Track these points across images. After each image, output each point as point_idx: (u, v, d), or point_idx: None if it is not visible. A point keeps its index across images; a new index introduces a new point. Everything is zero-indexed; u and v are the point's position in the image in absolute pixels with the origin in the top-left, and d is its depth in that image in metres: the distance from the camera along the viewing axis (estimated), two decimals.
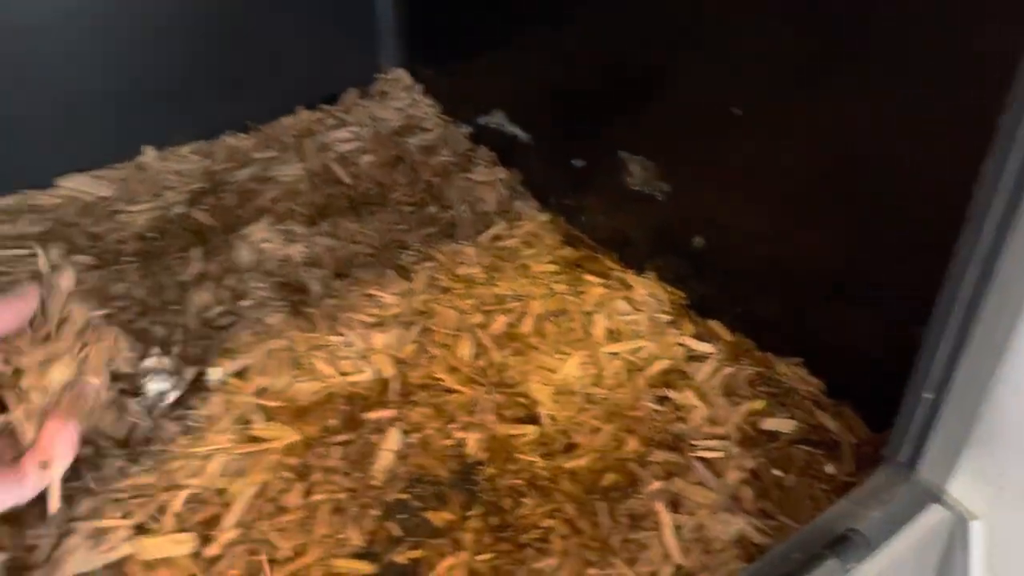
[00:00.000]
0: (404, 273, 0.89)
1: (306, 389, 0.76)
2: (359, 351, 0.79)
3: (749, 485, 0.68)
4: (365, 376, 0.77)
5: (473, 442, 0.73)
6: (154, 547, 0.63)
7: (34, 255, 0.89)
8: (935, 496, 0.63)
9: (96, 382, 0.45)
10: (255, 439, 0.71)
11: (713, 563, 0.62)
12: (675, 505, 0.65)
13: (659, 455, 0.69)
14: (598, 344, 0.80)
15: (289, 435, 0.71)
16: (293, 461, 0.70)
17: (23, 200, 0.97)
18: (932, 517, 0.63)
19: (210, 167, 1.05)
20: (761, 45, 0.70)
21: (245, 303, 0.83)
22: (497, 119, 1.06)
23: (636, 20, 0.81)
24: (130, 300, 0.84)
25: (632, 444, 0.70)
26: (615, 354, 0.79)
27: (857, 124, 0.66)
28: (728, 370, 0.77)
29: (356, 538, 0.66)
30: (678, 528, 0.64)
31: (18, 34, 0.91)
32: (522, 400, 0.76)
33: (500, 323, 0.83)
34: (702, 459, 0.68)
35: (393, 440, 0.72)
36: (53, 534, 0.62)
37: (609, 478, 0.68)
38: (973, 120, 0.56)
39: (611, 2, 0.84)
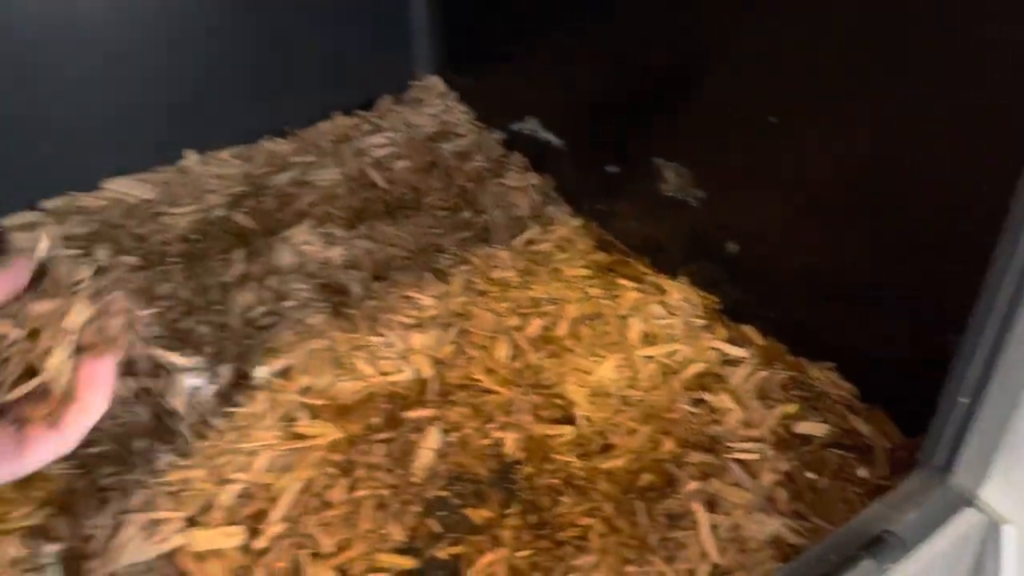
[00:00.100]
0: (441, 276, 0.91)
1: (348, 388, 0.78)
2: (399, 351, 0.81)
3: (783, 487, 0.69)
4: (405, 376, 0.79)
5: (511, 442, 0.75)
6: (205, 539, 0.65)
7: (84, 255, 0.91)
8: (968, 500, 0.64)
9: (122, 306, 0.45)
10: (300, 436, 0.73)
11: (749, 562, 0.63)
12: (711, 505, 0.67)
13: (695, 456, 0.70)
14: (633, 347, 0.82)
15: (333, 432, 0.73)
16: (337, 458, 0.72)
17: (71, 202, 1.00)
18: (965, 521, 0.63)
19: (250, 171, 1.07)
20: (799, 55, 0.71)
21: (287, 304, 0.85)
22: (531, 125, 1.07)
23: (673, 28, 0.83)
24: (175, 300, 0.87)
25: (668, 445, 0.72)
26: (650, 357, 0.80)
27: (893, 133, 0.67)
28: (762, 374, 0.78)
29: (398, 533, 0.68)
30: (714, 528, 0.65)
31: (67, 44, 0.94)
32: (558, 401, 0.78)
33: (536, 326, 0.85)
34: (738, 461, 0.70)
35: (433, 439, 0.74)
36: (109, 525, 0.65)
37: (646, 478, 0.70)
38: (1009, 131, 0.57)
39: (647, 11, 0.85)
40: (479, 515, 0.69)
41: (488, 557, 0.66)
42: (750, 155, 0.79)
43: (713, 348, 0.81)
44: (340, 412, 0.76)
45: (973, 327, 0.57)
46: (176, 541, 0.65)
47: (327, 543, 0.66)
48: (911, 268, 0.70)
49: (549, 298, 0.89)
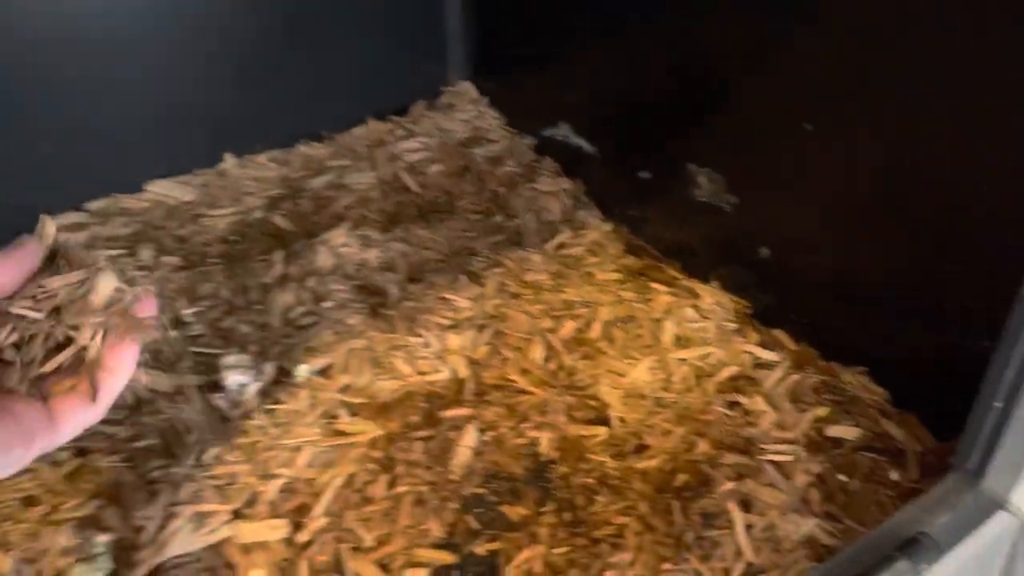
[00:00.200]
0: (475, 278, 0.93)
1: (387, 387, 0.79)
2: (436, 352, 0.83)
3: (816, 488, 0.70)
4: (442, 376, 0.81)
5: (546, 441, 0.76)
6: (251, 532, 0.67)
7: (128, 255, 0.94)
8: (1000, 503, 0.65)
9: (137, 291, 0.45)
10: (341, 433, 0.75)
11: (783, 562, 0.64)
12: (746, 505, 0.68)
13: (730, 457, 0.71)
14: (666, 350, 0.83)
15: (373, 430, 0.75)
16: (377, 454, 0.73)
17: (114, 203, 1.02)
18: (998, 524, 0.64)
19: (287, 174, 1.10)
20: (835, 61, 0.72)
21: (326, 304, 0.87)
22: (563, 131, 1.09)
23: (707, 34, 0.84)
24: (217, 300, 0.89)
25: (703, 446, 0.73)
26: (683, 360, 0.81)
27: (929, 140, 0.68)
28: (794, 378, 0.79)
29: (437, 529, 0.69)
30: (749, 527, 0.66)
31: (112, 51, 0.97)
32: (592, 402, 0.79)
33: (569, 328, 0.86)
34: (772, 462, 0.71)
35: (470, 437, 0.76)
36: (158, 516, 0.67)
37: (681, 478, 0.71)
38: None
39: (680, 17, 0.87)
40: (515, 512, 0.71)
41: (525, 553, 0.67)
42: (784, 161, 0.80)
43: (746, 352, 0.83)
44: (379, 410, 0.77)
45: (1008, 333, 0.58)
46: (223, 533, 0.66)
47: (368, 537, 0.68)
48: (945, 274, 0.71)
49: (582, 301, 0.90)
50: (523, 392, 0.80)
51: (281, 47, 1.09)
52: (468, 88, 1.25)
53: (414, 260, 0.96)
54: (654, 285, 0.91)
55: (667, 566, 0.64)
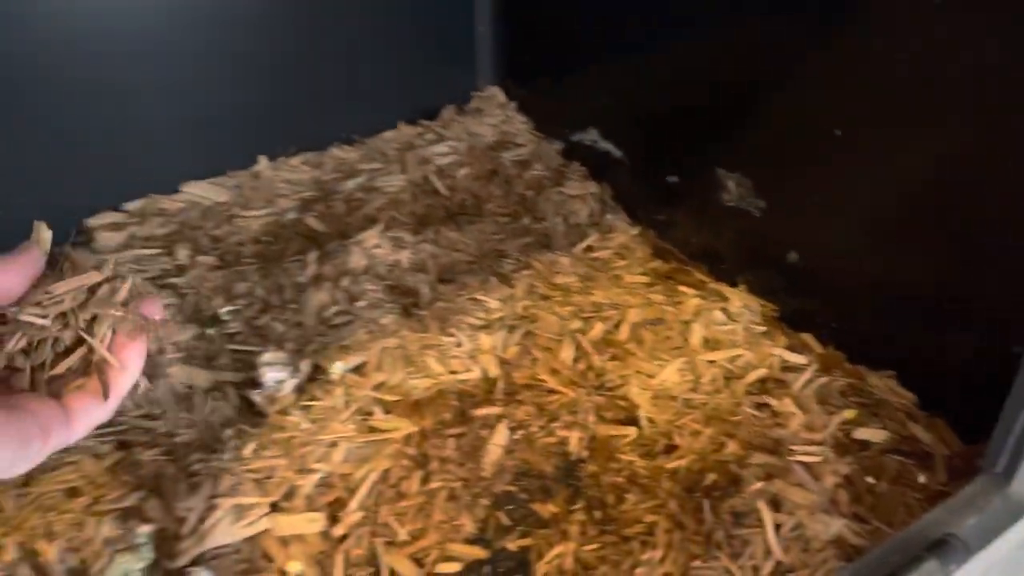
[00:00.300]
0: (505, 280, 0.94)
1: (419, 385, 0.81)
2: (467, 351, 0.84)
3: (844, 490, 0.71)
4: (473, 375, 0.82)
5: (575, 440, 0.77)
6: (288, 524, 0.68)
7: (165, 255, 0.96)
8: None
9: (152, 296, 0.46)
10: (375, 429, 0.76)
11: (812, 561, 0.65)
12: (775, 505, 0.68)
13: (759, 458, 0.72)
14: (695, 352, 0.84)
15: (407, 426, 0.76)
16: (411, 451, 0.75)
17: (151, 204, 1.04)
18: None
19: (319, 177, 1.12)
20: (865, 67, 0.73)
21: (360, 304, 0.89)
22: (591, 136, 1.10)
23: (737, 39, 0.85)
24: (253, 298, 0.91)
25: (732, 447, 0.74)
26: (712, 362, 0.82)
27: (959, 147, 0.69)
28: (821, 380, 0.80)
29: (469, 525, 0.70)
30: (778, 526, 0.67)
31: (150, 57, 0.99)
32: (622, 403, 0.80)
33: (598, 329, 0.88)
34: (801, 463, 0.72)
35: (501, 435, 0.77)
36: (200, 508, 0.68)
37: (710, 478, 0.72)
38: None
39: (709, 22, 0.88)
40: (546, 510, 0.72)
41: (556, 549, 0.68)
42: (813, 167, 0.81)
43: (774, 354, 0.83)
44: (412, 408, 0.79)
45: None
46: (262, 525, 0.68)
47: (402, 532, 0.69)
48: (973, 278, 0.71)
49: (610, 303, 0.91)
50: (553, 392, 0.82)
51: (315, 53, 1.12)
52: (497, 93, 1.27)
53: (444, 261, 0.97)
54: (682, 288, 0.92)
55: (697, 563, 0.65)
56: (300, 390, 0.79)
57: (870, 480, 0.72)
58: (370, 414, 0.77)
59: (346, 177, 1.11)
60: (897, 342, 0.80)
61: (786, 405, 0.77)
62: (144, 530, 0.68)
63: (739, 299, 0.89)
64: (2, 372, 0.41)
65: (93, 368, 0.43)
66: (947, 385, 0.76)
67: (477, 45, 1.24)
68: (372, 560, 0.68)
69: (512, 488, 0.74)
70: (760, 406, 0.78)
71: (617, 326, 0.88)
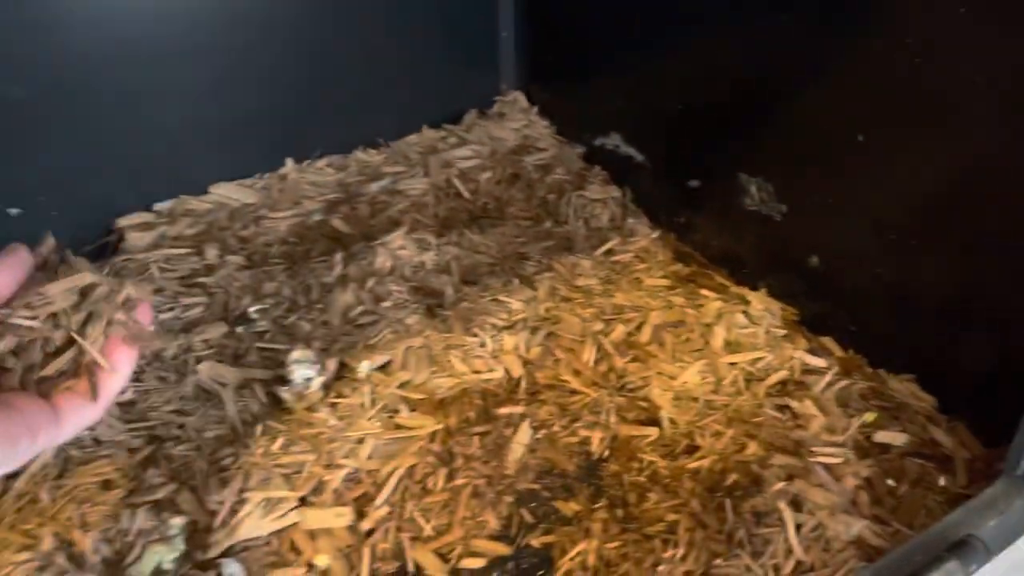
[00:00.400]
0: (527, 282, 0.95)
1: (443, 384, 0.82)
2: (491, 352, 0.85)
3: (864, 491, 0.71)
4: (496, 375, 0.84)
5: (597, 440, 0.78)
6: (317, 518, 0.70)
7: (195, 254, 0.98)
8: None
9: (130, 292, 0.46)
10: (401, 427, 0.78)
11: (833, 561, 0.66)
12: (796, 505, 0.69)
13: (780, 459, 0.73)
14: (716, 354, 0.85)
15: (432, 424, 0.78)
16: (436, 448, 0.76)
17: (180, 204, 1.06)
18: None
19: (344, 179, 1.13)
20: (888, 72, 0.74)
21: (385, 304, 0.90)
22: (613, 140, 1.11)
23: (760, 45, 0.86)
24: (280, 298, 0.92)
25: (753, 448, 0.75)
26: (734, 364, 0.83)
27: (980, 152, 0.69)
28: (842, 383, 0.81)
29: (493, 522, 0.72)
30: (799, 526, 0.68)
31: (180, 60, 1.01)
32: (643, 404, 0.81)
33: (620, 331, 0.89)
34: (822, 464, 0.72)
35: (524, 434, 0.78)
36: (231, 501, 0.70)
37: (731, 478, 0.73)
38: None
39: (732, 26, 0.89)
40: (569, 508, 0.73)
41: (579, 547, 0.69)
42: (836, 172, 0.82)
43: (795, 357, 0.84)
44: (437, 406, 0.80)
45: None
46: (291, 519, 0.69)
47: (427, 527, 0.71)
48: (995, 282, 0.72)
49: (632, 305, 0.92)
50: (575, 392, 0.83)
51: (340, 59, 1.13)
52: (519, 97, 1.28)
53: (467, 264, 0.99)
54: (703, 291, 0.93)
55: (718, 561, 0.66)
56: (327, 388, 0.80)
57: (890, 482, 0.73)
58: (396, 412, 0.79)
59: (370, 180, 1.13)
60: (917, 346, 0.80)
61: (807, 407, 0.78)
62: (177, 522, 0.70)
63: (760, 302, 0.90)
64: None
65: (83, 370, 0.44)
66: (968, 389, 0.77)
67: (500, 50, 1.25)
68: (398, 554, 0.69)
69: (535, 486, 0.75)
70: (781, 408, 0.79)
71: (639, 328, 0.89)
